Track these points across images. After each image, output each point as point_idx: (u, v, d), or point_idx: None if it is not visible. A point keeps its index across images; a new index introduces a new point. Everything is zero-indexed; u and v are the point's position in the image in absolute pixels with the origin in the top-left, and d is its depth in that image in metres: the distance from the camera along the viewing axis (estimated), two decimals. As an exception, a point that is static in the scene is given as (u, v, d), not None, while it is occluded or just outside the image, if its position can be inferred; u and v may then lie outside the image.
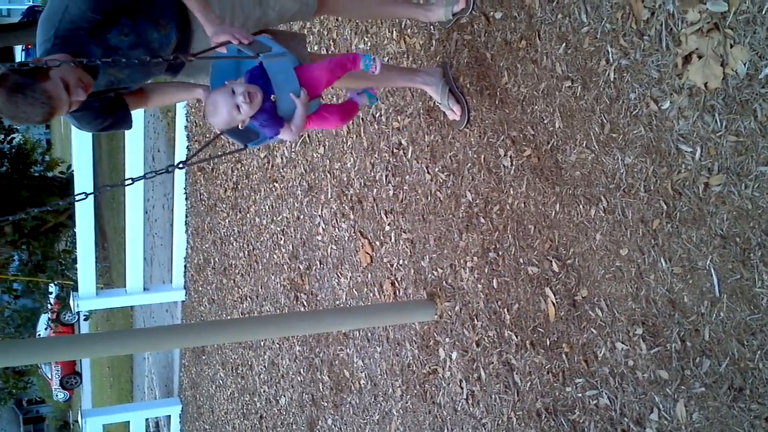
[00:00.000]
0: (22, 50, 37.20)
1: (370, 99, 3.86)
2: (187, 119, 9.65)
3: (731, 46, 2.61)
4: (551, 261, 3.60)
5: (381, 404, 5.44)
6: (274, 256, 7.44)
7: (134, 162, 8.46)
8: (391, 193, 5.00)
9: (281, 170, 6.98)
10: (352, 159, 5.54)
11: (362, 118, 5.30)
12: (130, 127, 3.62)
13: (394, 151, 4.90)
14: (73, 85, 3.00)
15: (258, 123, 3.33)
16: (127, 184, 3.44)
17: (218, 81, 3.39)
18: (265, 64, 3.27)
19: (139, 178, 3.40)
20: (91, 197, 8.53)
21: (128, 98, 3.60)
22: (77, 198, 3.44)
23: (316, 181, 6.21)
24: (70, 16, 3.11)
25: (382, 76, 4.14)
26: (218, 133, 3.43)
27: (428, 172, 4.53)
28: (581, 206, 3.38)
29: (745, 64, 2.58)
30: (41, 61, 2.95)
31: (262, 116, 3.30)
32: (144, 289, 10.08)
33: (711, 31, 2.67)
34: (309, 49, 3.80)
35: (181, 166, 3.50)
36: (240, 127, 3.28)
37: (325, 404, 6.49)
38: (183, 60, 3.39)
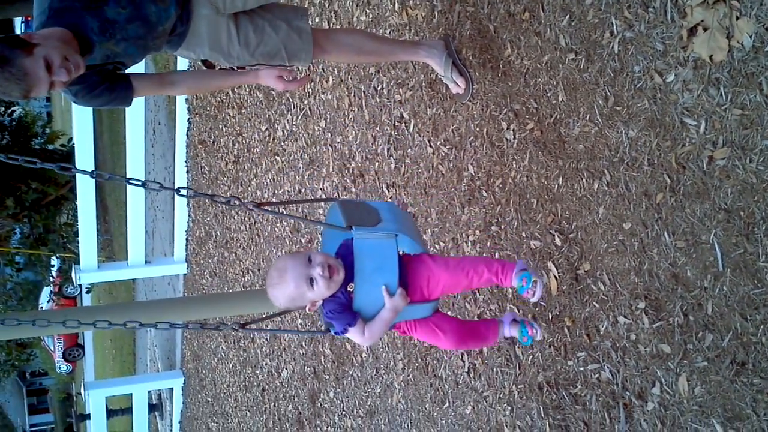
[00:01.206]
0: (22, 22, 37.01)
1: (522, 336, 2.89)
2: (186, 101, 9.60)
3: (737, 18, 2.58)
4: (554, 235, 3.59)
5: (383, 377, 5.45)
6: (276, 229, 7.43)
7: (135, 135, 8.42)
8: (393, 166, 4.98)
9: (282, 143, 6.96)
10: (353, 132, 5.51)
11: (363, 91, 5.27)
12: (129, 104, 3.56)
13: (396, 124, 4.88)
14: (57, 66, 2.92)
15: (325, 311, 2.63)
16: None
17: (327, 248, 2.82)
18: (355, 240, 2.60)
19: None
20: (91, 168, 8.52)
21: (147, 82, 3.54)
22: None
23: (318, 155, 6.19)
24: None
25: (385, 50, 4.10)
26: (279, 312, 2.87)
27: (430, 146, 4.51)
28: (584, 180, 3.36)
29: (751, 37, 2.55)
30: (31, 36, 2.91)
31: (330, 304, 2.61)
32: (146, 262, 10.06)
33: (717, 2, 2.64)
34: (310, 22, 3.72)
35: (242, 325, 2.78)
36: (308, 310, 2.64)
37: (327, 377, 6.51)
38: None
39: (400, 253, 2.72)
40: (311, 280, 2.52)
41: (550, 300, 3.67)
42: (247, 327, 2.73)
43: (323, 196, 6.15)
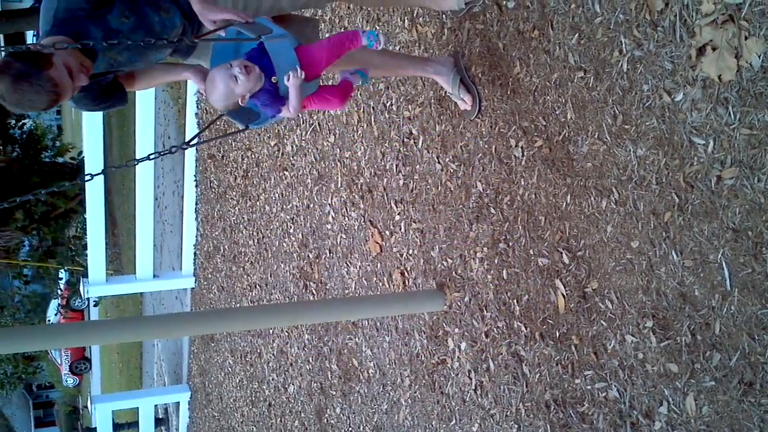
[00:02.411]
0: (34, 35, 37.18)
1: (362, 78, 3.82)
2: (197, 106, 9.64)
3: (746, 38, 2.59)
4: (561, 252, 3.59)
5: (389, 394, 5.45)
6: (284, 244, 7.44)
7: (144, 149, 8.45)
8: (401, 182, 4.98)
9: (291, 158, 6.98)
10: (362, 148, 5.53)
11: (373, 107, 5.28)
12: (124, 105, 3.62)
13: (405, 140, 4.89)
14: (76, 71, 2.99)
15: (260, 103, 3.34)
16: (132, 165, 3.44)
17: (217, 63, 3.37)
18: (266, 45, 3.27)
19: (142, 159, 3.40)
20: (101, 181, 8.54)
21: (127, 81, 3.59)
22: (85, 179, 3.46)
23: (327, 170, 6.20)
24: None
25: (394, 64, 4.12)
26: (220, 114, 3.45)
27: (439, 162, 4.52)
28: (592, 198, 3.36)
29: (759, 57, 2.56)
30: (37, 46, 2.94)
31: (263, 96, 3.30)
32: (154, 275, 10.08)
33: (726, 22, 2.65)
34: (321, 36, 3.76)
35: (184, 147, 3.50)
36: (241, 102, 3.27)
37: (334, 393, 6.50)
38: (188, 43, 3.37)
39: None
40: (234, 78, 3.17)
41: (557, 318, 3.67)
42: (191, 144, 3.69)
43: (331, 211, 6.16)
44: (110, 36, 3.15)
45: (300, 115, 6.59)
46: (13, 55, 2.92)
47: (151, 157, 3.46)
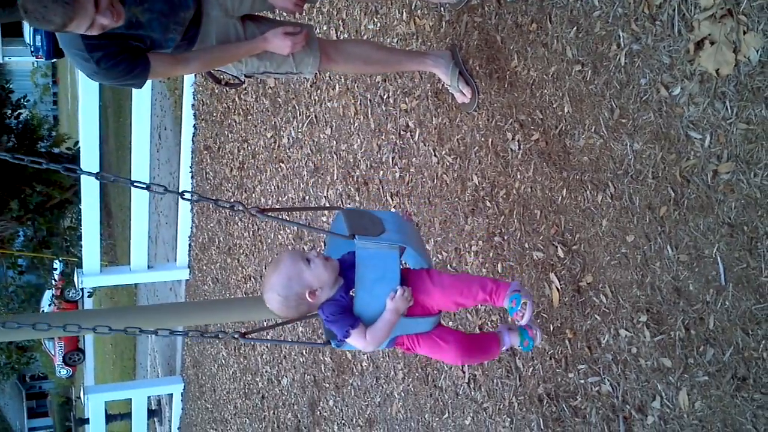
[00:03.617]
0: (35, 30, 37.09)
1: (523, 341, 2.89)
2: (194, 97, 9.62)
3: (744, 33, 2.59)
4: (557, 246, 3.59)
5: (383, 386, 5.45)
6: (279, 236, 7.43)
7: (140, 140, 8.44)
8: (397, 175, 4.98)
9: (288, 150, 6.96)
10: (358, 140, 5.52)
11: (370, 100, 5.27)
12: (142, 85, 3.48)
13: (401, 133, 4.88)
14: (103, 6, 2.93)
15: (324, 316, 2.65)
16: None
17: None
18: (357, 246, 2.59)
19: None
20: (96, 170, 8.50)
21: (162, 59, 3.49)
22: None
23: (323, 162, 6.19)
24: None
25: (393, 60, 4.11)
26: (284, 321, 2.86)
27: (435, 155, 4.51)
28: (588, 192, 3.36)
29: (758, 51, 2.55)
30: None
31: (330, 308, 2.64)
32: (148, 267, 10.06)
33: (724, 17, 2.65)
34: (317, 30, 3.74)
35: (243, 334, 2.81)
36: (309, 298, 2.61)
37: (327, 385, 6.50)
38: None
39: (403, 264, 2.74)
40: (307, 261, 2.57)
41: (551, 312, 3.67)
42: (248, 337, 2.75)
43: (327, 204, 6.15)
44: None
45: (296, 106, 6.58)
46: None
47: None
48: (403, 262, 2.78)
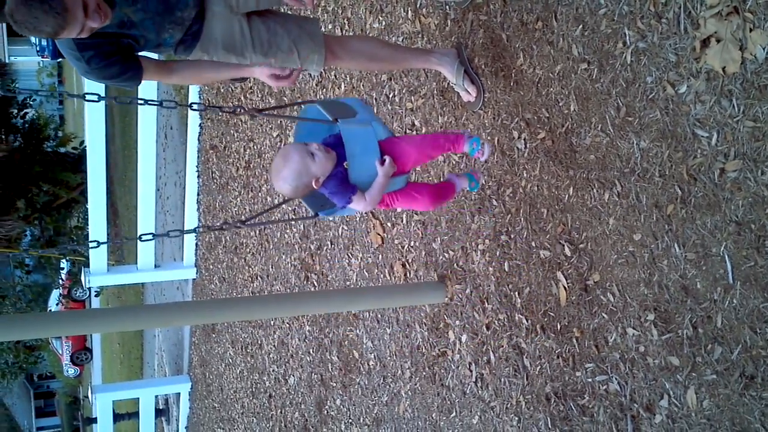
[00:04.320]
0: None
1: (471, 183, 3.56)
2: (199, 96, 9.63)
3: (750, 30, 2.58)
4: (563, 245, 3.58)
5: (390, 385, 5.44)
6: (285, 235, 7.43)
7: (146, 139, 8.45)
8: (403, 174, 4.97)
9: (293, 150, 6.95)
10: (364, 139, 5.51)
11: (375, 98, 5.27)
12: (136, 85, 3.54)
13: (407, 131, 4.88)
14: (92, 9, 2.95)
15: (327, 191, 3.12)
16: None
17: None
18: (342, 128, 3.09)
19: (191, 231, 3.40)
20: (103, 171, 8.51)
21: (153, 65, 3.54)
22: (90, 246, 3.38)
23: (329, 161, 6.18)
24: None
25: (398, 58, 4.10)
26: (285, 199, 3.25)
27: (441, 154, 4.50)
28: (595, 190, 3.35)
29: (764, 49, 2.55)
30: None
31: (332, 183, 3.09)
32: (155, 266, 10.08)
33: (730, 14, 2.64)
34: (323, 29, 3.73)
35: (239, 225, 3.29)
36: (315, 185, 3.05)
37: (334, 384, 6.50)
38: (254, 113, 3.34)
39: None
40: (312, 155, 2.98)
41: (558, 310, 3.66)
42: (248, 222, 3.25)
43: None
44: None
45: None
46: None
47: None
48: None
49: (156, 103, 3.26)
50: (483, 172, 4.11)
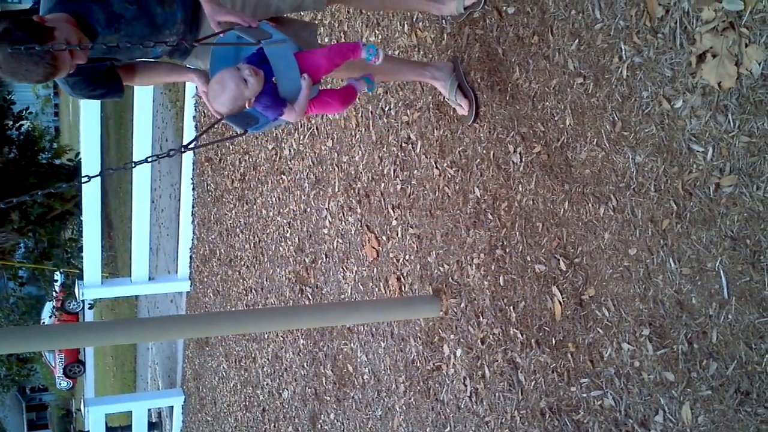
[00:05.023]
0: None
1: (368, 84, 3.79)
2: (195, 109, 9.63)
3: (746, 46, 2.58)
4: (559, 259, 3.58)
5: (384, 400, 5.43)
6: (280, 248, 7.42)
7: (142, 151, 8.44)
8: (398, 187, 4.97)
9: (289, 162, 6.96)
10: (360, 152, 5.51)
11: (371, 111, 5.27)
12: (121, 96, 3.59)
13: (403, 145, 4.88)
14: (77, 50, 2.99)
15: (261, 106, 3.31)
16: (130, 167, 3.41)
17: (218, 67, 3.36)
18: (266, 49, 3.25)
19: (140, 162, 3.36)
20: (97, 184, 8.52)
21: (125, 71, 3.58)
22: (82, 180, 3.43)
23: (324, 174, 6.19)
24: None
25: (392, 69, 4.11)
26: (220, 117, 3.39)
27: (436, 167, 4.51)
28: (590, 204, 3.35)
29: (760, 64, 2.55)
30: (43, 19, 2.94)
31: (264, 99, 3.28)
32: (149, 278, 10.06)
33: (726, 30, 2.64)
34: (320, 41, 3.75)
35: (183, 150, 3.45)
36: (248, 106, 3.26)
37: (328, 398, 6.48)
38: (186, 46, 3.36)
39: None
40: (245, 81, 3.17)
41: (553, 325, 3.65)
42: (189, 147, 3.50)
43: (323, 208, 6.15)
44: (112, 19, 3.17)
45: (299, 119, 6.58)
46: (15, 24, 2.90)
47: (149, 159, 3.42)
48: None
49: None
50: (478, 185, 4.11)
